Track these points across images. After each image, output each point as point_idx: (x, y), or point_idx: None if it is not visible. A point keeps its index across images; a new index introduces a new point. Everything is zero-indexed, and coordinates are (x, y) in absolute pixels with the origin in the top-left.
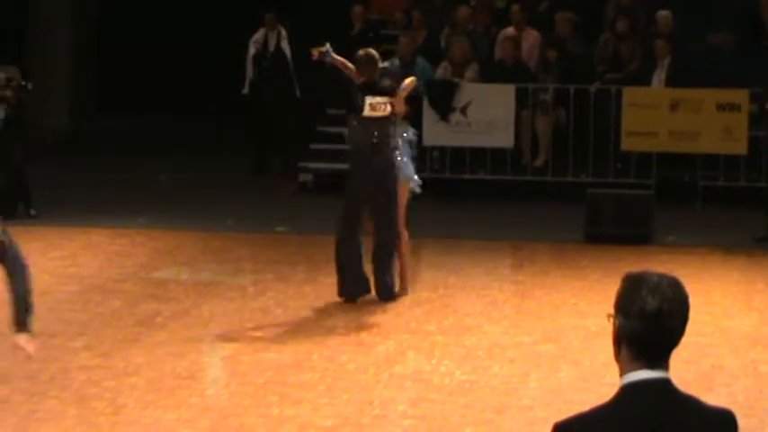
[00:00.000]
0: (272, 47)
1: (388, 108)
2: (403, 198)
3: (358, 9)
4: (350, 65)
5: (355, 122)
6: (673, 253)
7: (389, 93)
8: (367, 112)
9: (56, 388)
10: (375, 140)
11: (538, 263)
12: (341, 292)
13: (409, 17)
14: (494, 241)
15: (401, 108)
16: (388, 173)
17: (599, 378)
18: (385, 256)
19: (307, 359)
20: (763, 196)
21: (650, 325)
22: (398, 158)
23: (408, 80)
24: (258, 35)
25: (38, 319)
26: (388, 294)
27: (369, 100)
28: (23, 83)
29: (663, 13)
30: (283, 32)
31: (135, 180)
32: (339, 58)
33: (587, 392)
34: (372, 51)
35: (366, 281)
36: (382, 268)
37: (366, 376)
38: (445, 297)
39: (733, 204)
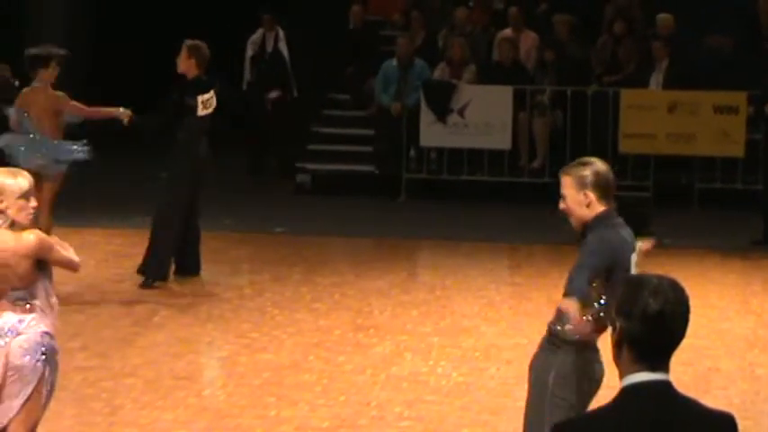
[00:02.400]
0: (269, 48)
1: (214, 101)
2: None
3: (356, 9)
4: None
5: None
6: (670, 255)
7: (213, 87)
8: (201, 111)
9: None
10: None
11: (535, 264)
12: None
13: (407, 18)
14: (491, 243)
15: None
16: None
17: None
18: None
19: (303, 360)
20: (760, 199)
21: (652, 327)
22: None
23: None
24: (256, 36)
25: None
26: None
27: (200, 98)
28: (12, 79)
29: (663, 16)
30: (281, 33)
31: (131, 179)
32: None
33: None
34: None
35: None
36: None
37: (363, 377)
38: (442, 298)
39: (730, 207)
